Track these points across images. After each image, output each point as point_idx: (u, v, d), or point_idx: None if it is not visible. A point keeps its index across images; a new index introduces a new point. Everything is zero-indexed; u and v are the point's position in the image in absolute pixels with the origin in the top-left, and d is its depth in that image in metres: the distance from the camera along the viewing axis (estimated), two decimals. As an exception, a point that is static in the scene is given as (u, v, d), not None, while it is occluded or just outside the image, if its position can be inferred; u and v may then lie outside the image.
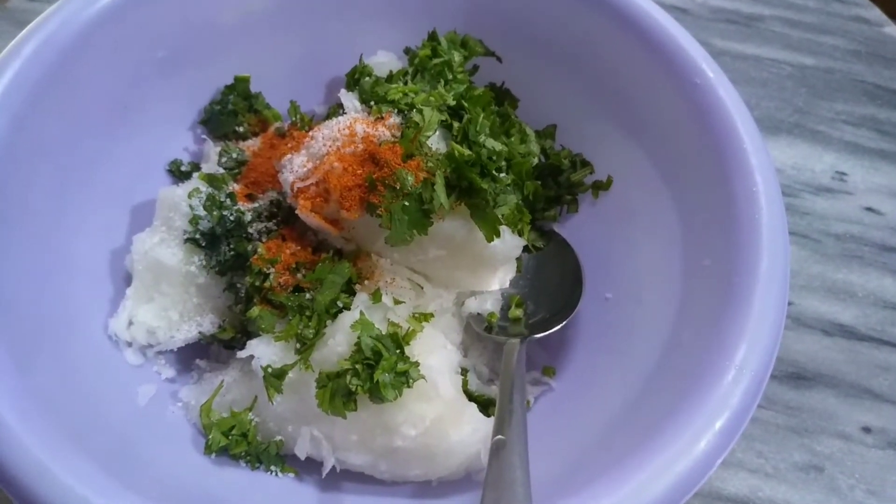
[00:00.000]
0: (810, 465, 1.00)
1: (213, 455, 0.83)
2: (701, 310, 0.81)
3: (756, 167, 0.84)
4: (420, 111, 0.88)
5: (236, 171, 0.99)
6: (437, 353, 0.85)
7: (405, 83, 0.96)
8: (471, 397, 0.88)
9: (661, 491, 0.65)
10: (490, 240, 0.87)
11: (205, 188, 0.93)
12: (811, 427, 1.03)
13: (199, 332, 0.91)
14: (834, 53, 1.43)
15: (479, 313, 0.96)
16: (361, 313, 0.81)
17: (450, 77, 0.99)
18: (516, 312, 0.96)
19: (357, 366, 0.78)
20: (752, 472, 0.99)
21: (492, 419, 0.83)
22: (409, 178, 0.83)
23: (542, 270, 1.01)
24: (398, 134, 0.87)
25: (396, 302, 0.88)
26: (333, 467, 0.81)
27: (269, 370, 0.81)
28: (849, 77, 1.40)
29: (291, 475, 0.84)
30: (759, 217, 0.81)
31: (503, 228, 0.88)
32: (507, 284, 0.99)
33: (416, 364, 0.79)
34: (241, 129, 1.06)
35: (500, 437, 0.71)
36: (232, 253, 0.89)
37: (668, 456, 0.66)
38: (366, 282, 0.89)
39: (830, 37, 1.45)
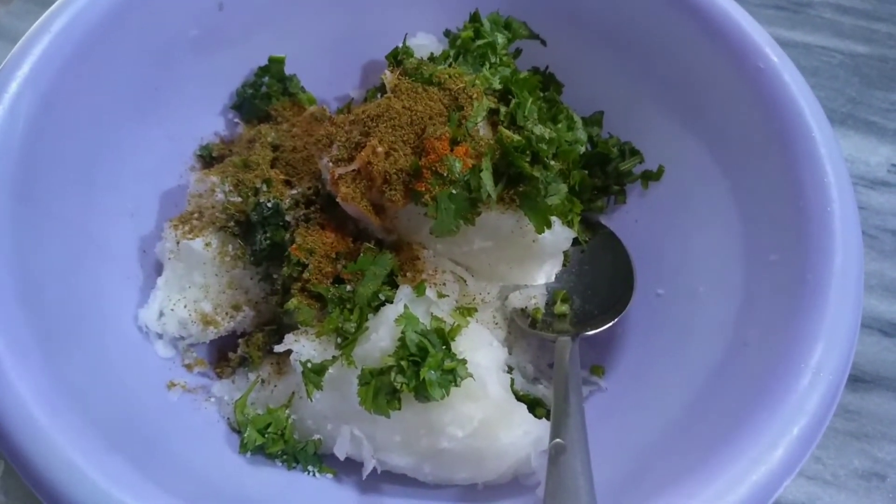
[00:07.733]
0: (871, 472, 0.94)
1: (249, 454, 0.79)
2: (769, 308, 0.76)
3: (826, 156, 0.79)
4: (468, 95, 0.83)
5: (272, 155, 0.95)
6: (484, 350, 0.81)
7: (448, 66, 0.92)
8: (517, 397, 0.84)
9: (738, 501, 0.60)
10: (540, 231, 0.82)
11: (240, 174, 0.88)
12: (871, 432, 0.97)
13: (233, 325, 0.87)
14: (888, 41, 1.37)
15: (523, 308, 0.92)
16: (406, 307, 0.77)
17: (493, 60, 0.94)
18: (562, 308, 0.92)
19: (402, 362, 0.73)
20: (810, 478, 0.94)
21: (542, 421, 0.79)
22: (458, 164, 0.78)
23: (588, 264, 0.96)
24: (445, 118, 0.82)
25: (440, 295, 0.83)
26: (374, 469, 0.78)
27: (309, 365, 0.77)
28: (903, 66, 1.34)
29: (330, 476, 0.80)
30: (832, 209, 0.76)
31: (553, 220, 0.83)
32: (552, 278, 0.94)
33: (464, 361, 0.75)
34: (275, 112, 1.02)
35: (558, 440, 0.67)
36: (268, 242, 0.85)
37: (744, 464, 0.62)
38: (408, 274, 0.85)
39: (884, 24, 1.39)
